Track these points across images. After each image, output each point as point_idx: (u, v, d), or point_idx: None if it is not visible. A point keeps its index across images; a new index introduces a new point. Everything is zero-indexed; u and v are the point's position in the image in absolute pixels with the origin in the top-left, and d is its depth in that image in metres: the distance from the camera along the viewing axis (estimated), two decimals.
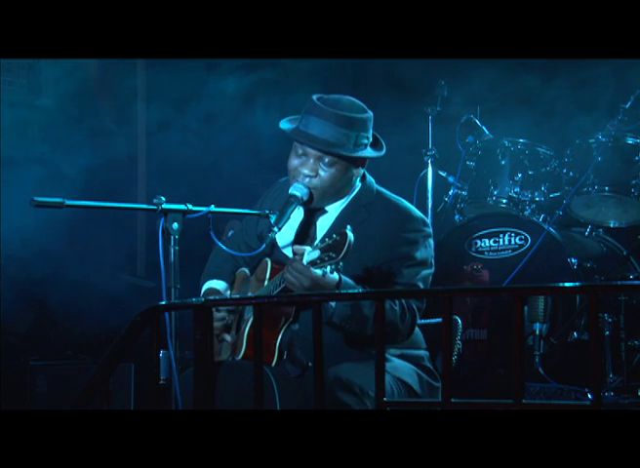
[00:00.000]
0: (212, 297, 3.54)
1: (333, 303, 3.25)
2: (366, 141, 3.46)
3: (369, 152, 3.47)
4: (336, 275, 3.19)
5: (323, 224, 3.53)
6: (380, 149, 3.52)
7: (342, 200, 3.52)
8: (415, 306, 3.39)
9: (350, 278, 3.31)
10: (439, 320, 3.44)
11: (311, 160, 3.43)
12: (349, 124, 3.40)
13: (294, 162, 3.48)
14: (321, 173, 3.43)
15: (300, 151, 3.46)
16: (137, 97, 6.85)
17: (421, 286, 3.43)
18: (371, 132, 3.48)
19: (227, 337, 3.51)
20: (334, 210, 3.53)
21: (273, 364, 3.37)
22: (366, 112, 3.46)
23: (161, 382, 3.00)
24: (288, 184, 3.50)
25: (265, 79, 6.27)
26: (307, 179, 3.44)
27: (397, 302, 3.34)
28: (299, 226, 3.56)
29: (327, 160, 3.42)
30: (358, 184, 3.54)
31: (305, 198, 3.45)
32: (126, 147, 6.77)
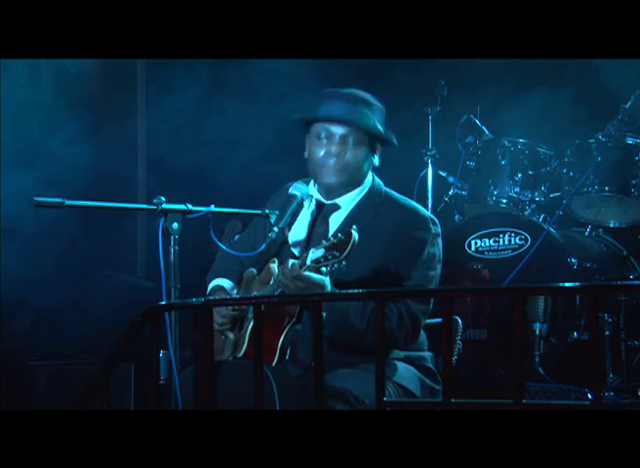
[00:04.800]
0: (211, 297, 3.55)
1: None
2: (382, 129, 3.48)
3: (389, 135, 3.48)
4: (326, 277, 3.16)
5: (335, 221, 3.50)
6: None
7: (355, 193, 3.49)
8: (417, 310, 3.34)
9: (358, 279, 3.30)
10: (439, 320, 3.44)
11: (337, 140, 3.39)
12: (367, 104, 3.44)
13: (319, 153, 3.42)
14: (348, 152, 3.41)
15: (324, 135, 3.41)
16: (137, 96, 6.85)
17: (431, 286, 3.41)
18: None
19: (230, 335, 3.50)
20: (345, 205, 3.49)
21: (274, 363, 3.36)
22: (377, 103, 3.50)
23: (161, 382, 3.00)
24: None
25: (266, 76, 6.27)
26: (334, 159, 3.38)
27: (394, 310, 3.29)
28: (310, 223, 3.53)
29: (351, 140, 3.40)
30: (369, 182, 3.53)
31: (305, 198, 3.44)
32: (126, 146, 6.77)
